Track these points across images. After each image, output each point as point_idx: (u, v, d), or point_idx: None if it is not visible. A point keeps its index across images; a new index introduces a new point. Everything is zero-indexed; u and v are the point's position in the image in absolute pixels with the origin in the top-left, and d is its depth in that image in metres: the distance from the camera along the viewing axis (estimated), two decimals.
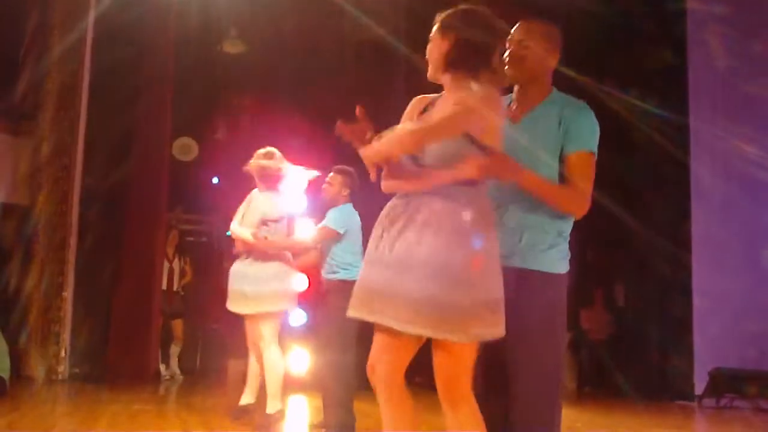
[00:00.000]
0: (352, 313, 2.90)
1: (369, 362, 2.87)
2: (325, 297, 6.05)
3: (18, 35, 9.62)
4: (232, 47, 10.78)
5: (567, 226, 3.08)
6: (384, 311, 2.78)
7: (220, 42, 10.86)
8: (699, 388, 9.45)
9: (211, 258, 12.60)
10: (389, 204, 2.97)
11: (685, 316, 9.66)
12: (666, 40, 9.93)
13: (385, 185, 2.99)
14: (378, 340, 2.89)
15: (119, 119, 9.82)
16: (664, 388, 9.69)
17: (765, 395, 9.03)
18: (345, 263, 5.91)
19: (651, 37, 9.86)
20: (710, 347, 9.46)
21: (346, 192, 6.13)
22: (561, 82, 3.24)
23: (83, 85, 9.64)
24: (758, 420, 8.36)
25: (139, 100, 10.05)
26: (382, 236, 2.90)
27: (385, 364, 2.86)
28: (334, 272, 5.95)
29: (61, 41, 9.49)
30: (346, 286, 5.84)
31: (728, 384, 9.21)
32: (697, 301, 9.66)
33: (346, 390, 5.80)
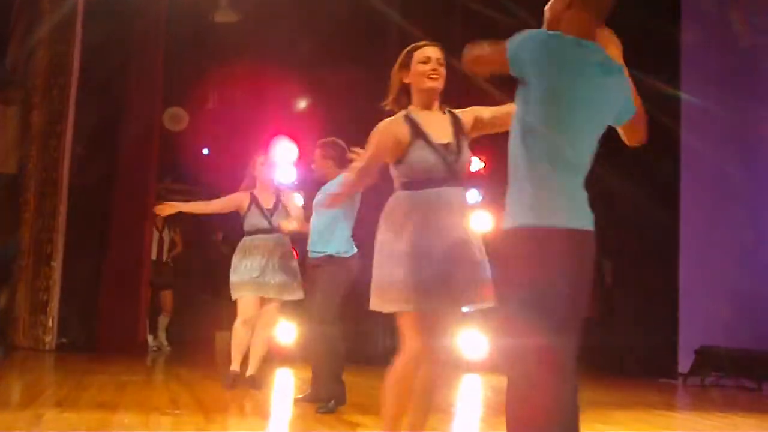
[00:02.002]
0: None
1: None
2: (312, 270, 6.06)
3: (8, 2, 9.52)
4: (223, 17, 10.69)
5: None
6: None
7: (211, 11, 10.77)
8: (683, 366, 9.49)
9: (201, 229, 12.59)
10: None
11: (671, 294, 9.67)
12: (658, 8, 9.82)
13: None
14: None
15: (110, 88, 9.77)
16: (648, 365, 9.72)
17: (750, 374, 9.08)
18: (327, 237, 5.93)
19: (643, 3, 9.74)
20: (696, 326, 9.49)
21: (330, 164, 6.11)
22: None
23: (74, 54, 9.56)
24: (742, 399, 8.42)
25: (130, 69, 9.99)
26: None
27: None
28: (315, 245, 5.99)
29: (52, 9, 9.41)
30: (332, 260, 5.90)
31: (714, 363, 9.26)
32: (683, 279, 9.68)
33: (336, 361, 5.84)
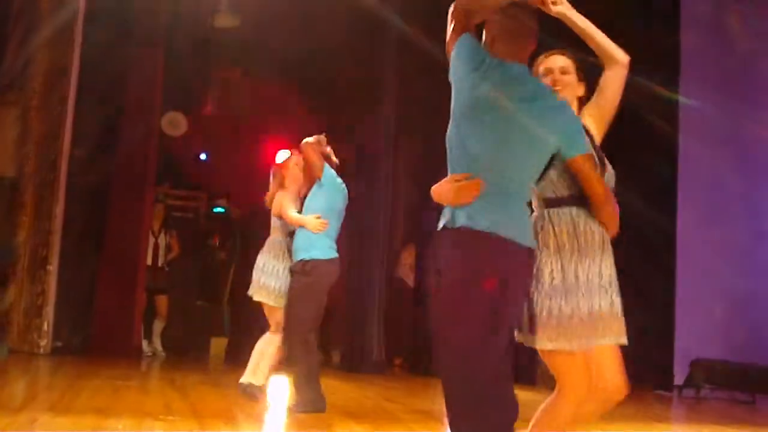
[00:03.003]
0: (568, 346, 3.22)
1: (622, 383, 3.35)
2: (292, 276, 6.05)
3: (7, 4, 9.52)
4: (222, 21, 10.70)
5: None
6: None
7: (211, 16, 10.78)
8: (679, 378, 9.48)
9: (198, 234, 12.59)
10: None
11: (667, 304, 9.66)
12: (657, 13, 9.82)
13: None
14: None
15: (109, 92, 9.77)
16: (643, 377, 9.70)
17: (744, 387, 9.08)
18: (307, 243, 5.92)
19: (642, 9, 9.73)
20: (692, 338, 9.48)
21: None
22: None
23: (74, 57, 9.54)
24: (736, 412, 8.42)
25: (129, 73, 10.01)
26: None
27: None
28: (297, 252, 5.98)
29: (52, 12, 9.39)
30: (307, 265, 5.89)
31: (709, 375, 9.25)
32: (680, 287, 9.66)
33: (314, 368, 5.90)
